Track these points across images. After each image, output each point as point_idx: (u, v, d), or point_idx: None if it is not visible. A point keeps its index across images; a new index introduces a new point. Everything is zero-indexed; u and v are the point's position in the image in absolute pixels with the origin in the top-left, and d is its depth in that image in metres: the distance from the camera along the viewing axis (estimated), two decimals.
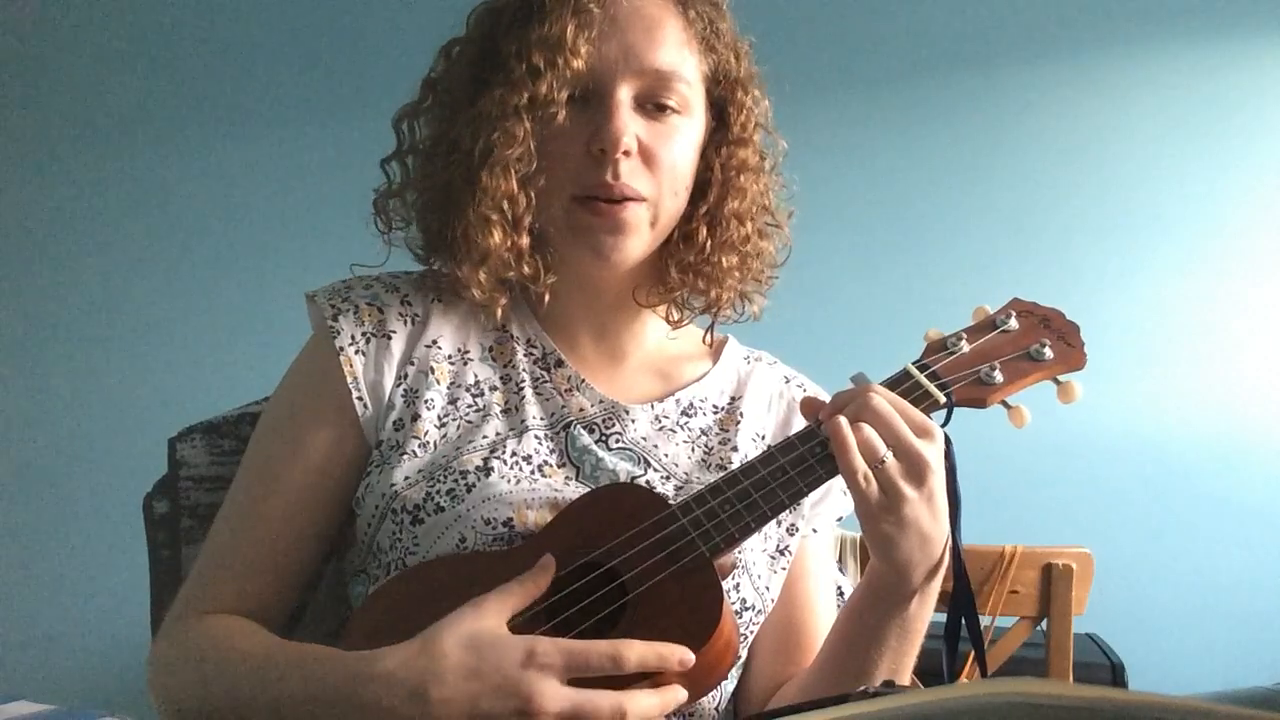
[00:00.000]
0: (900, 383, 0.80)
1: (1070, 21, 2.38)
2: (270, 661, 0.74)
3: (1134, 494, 2.30)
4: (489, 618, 0.68)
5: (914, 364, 0.82)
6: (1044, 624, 1.45)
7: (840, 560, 1.24)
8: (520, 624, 0.71)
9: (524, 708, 0.64)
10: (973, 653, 1.45)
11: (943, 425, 0.78)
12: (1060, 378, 0.84)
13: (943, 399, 0.79)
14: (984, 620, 1.45)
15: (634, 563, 0.73)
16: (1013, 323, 0.86)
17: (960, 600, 0.83)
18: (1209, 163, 2.32)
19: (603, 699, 0.65)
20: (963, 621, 0.84)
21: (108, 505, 2.19)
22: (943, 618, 0.85)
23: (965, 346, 0.83)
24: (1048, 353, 0.83)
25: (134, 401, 2.54)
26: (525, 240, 0.88)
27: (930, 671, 0.85)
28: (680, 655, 0.68)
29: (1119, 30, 2.36)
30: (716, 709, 0.88)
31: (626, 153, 0.84)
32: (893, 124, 2.44)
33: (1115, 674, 1.96)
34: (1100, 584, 1.46)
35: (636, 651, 0.67)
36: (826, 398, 0.80)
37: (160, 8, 2.65)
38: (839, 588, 1.02)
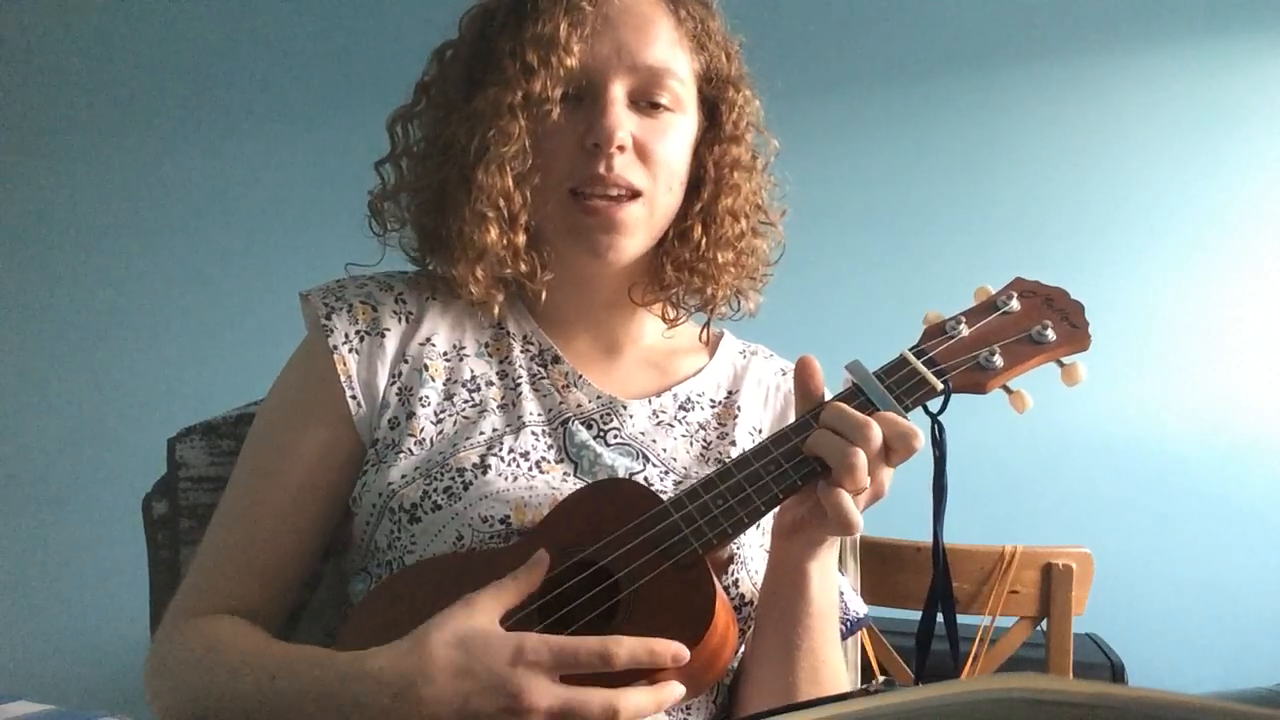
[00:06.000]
0: (896, 370, 0.78)
1: (1070, 21, 2.38)
2: (262, 662, 0.74)
3: (1134, 494, 2.29)
4: (480, 615, 0.68)
5: (911, 350, 0.80)
6: (1044, 624, 1.45)
7: (840, 560, 1.23)
8: (513, 624, 0.70)
9: (512, 705, 0.63)
10: (971, 651, 1.46)
11: (939, 412, 0.78)
12: (1064, 359, 0.81)
13: (940, 386, 0.77)
14: (984, 620, 1.44)
15: (626, 560, 0.72)
16: (1014, 303, 0.83)
17: (939, 594, 0.83)
18: (1208, 162, 2.32)
19: (594, 695, 0.64)
20: (958, 619, 0.84)
21: (108, 505, 2.18)
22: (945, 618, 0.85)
23: (964, 330, 0.81)
24: (1050, 334, 0.80)
25: (134, 401, 2.54)
26: (521, 238, 0.88)
27: (937, 671, 0.85)
28: (674, 651, 0.66)
29: (1118, 30, 2.36)
30: (714, 701, 0.88)
31: (621, 148, 0.84)
32: (891, 122, 2.44)
33: (1115, 674, 1.96)
34: (1100, 584, 1.45)
35: (626, 648, 0.65)
36: (826, 391, 0.80)
37: (159, 7, 2.64)
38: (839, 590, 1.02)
